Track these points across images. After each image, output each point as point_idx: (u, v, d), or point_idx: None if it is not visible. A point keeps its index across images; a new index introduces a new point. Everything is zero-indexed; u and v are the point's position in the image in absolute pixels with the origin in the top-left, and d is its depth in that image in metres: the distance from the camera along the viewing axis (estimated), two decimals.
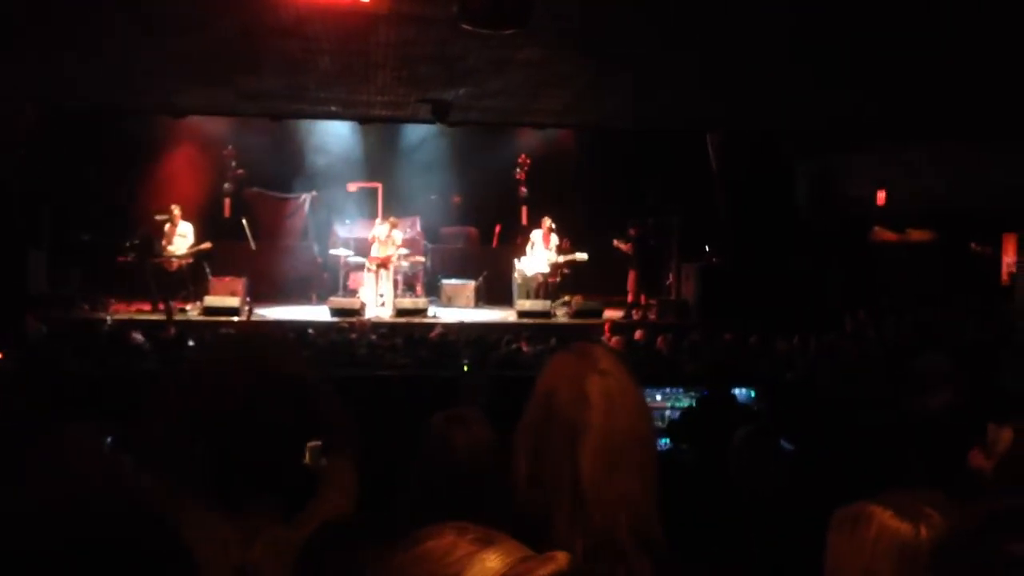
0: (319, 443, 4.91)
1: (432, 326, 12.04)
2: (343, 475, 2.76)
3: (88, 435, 2.41)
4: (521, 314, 13.39)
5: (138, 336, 9.27)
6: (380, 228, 13.69)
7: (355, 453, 2.88)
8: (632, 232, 14.22)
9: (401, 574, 1.09)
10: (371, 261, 13.51)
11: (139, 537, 0.70)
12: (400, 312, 13.12)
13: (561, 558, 1.05)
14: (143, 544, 0.70)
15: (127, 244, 13.08)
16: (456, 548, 1.09)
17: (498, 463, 2.32)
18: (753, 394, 7.02)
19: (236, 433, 2.29)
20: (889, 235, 14.20)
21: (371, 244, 13.66)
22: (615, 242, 14.20)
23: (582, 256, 14.11)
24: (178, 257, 13.15)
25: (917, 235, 14.62)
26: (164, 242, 13.25)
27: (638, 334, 11.35)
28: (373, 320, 12.34)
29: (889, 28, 8.27)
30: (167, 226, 13.30)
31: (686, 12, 8.00)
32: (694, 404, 6.96)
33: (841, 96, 11.12)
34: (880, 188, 13.96)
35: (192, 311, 12.87)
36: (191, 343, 9.62)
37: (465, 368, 8.71)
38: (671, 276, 15.16)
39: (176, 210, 13.35)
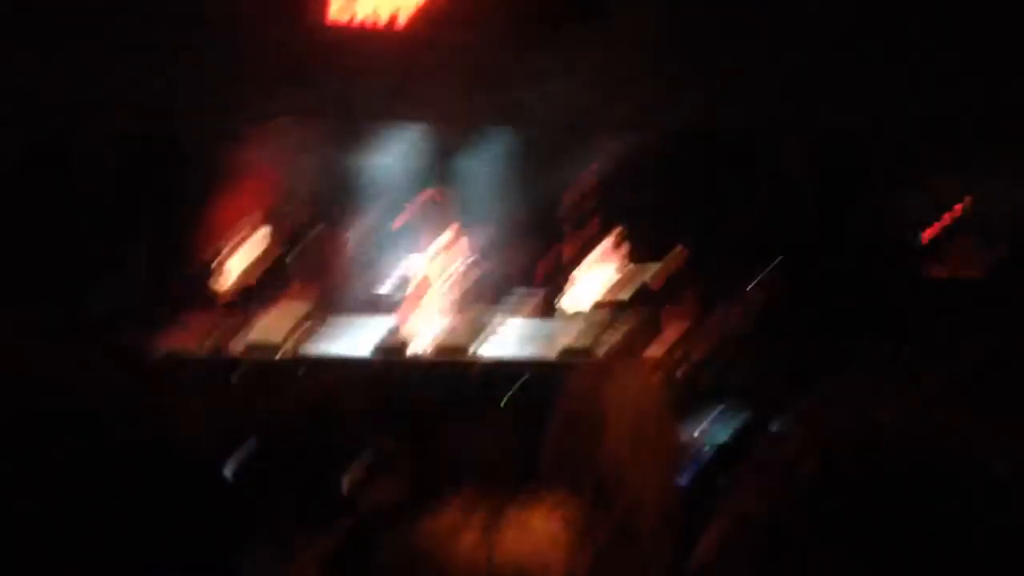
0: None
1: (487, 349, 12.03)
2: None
3: None
4: (583, 328, 13.31)
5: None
6: (430, 250, 13.84)
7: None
8: (689, 243, 13.96)
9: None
10: (421, 282, 13.55)
11: None
12: (448, 336, 13.12)
13: None
14: None
15: (182, 271, 13.50)
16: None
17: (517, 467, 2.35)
18: None
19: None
20: (969, 243, 13.70)
21: (416, 272, 13.77)
22: (670, 256, 13.98)
23: (653, 267, 13.89)
24: (247, 271, 13.47)
25: (1001, 246, 14.07)
26: (233, 256, 13.52)
27: (700, 346, 11.23)
28: (429, 343, 12.41)
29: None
30: (240, 239, 13.57)
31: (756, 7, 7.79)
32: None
33: (922, 100, 10.77)
34: (963, 196, 13.51)
35: (242, 339, 12.93)
36: (238, 371, 9.76)
37: (513, 393, 8.66)
38: (738, 288, 14.82)
39: (249, 223, 13.67)
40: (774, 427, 6.41)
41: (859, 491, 0.85)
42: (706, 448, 7.26)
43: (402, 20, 6.83)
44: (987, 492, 0.80)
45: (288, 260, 14.31)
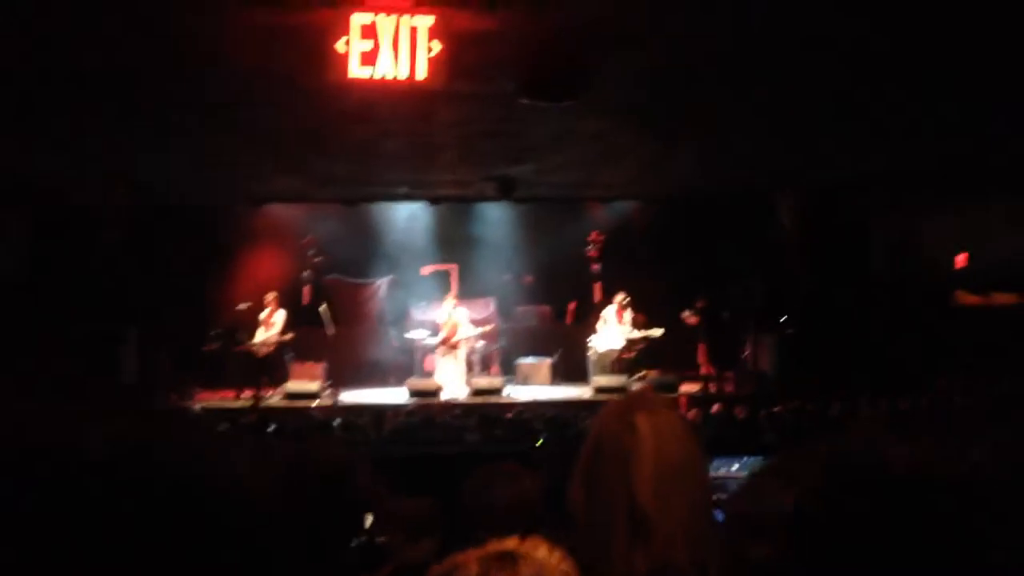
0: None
1: (508, 405, 12.11)
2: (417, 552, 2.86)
3: None
4: (597, 390, 13.34)
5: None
6: (441, 311, 14.02)
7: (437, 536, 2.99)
8: (699, 305, 14.18)
9: None
10: (440, 344, 13.75)
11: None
12: (476, 392, 13.21)
13: None
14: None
15: (211, 333, 13.47)
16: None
17: (545, 514, 2.38)
18: None
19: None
20: (972, 298, 13.84)
21: (439, 328, 13.93)
22: (683, 315, 14.19)
23: (657, 332, 14.05)
24: (261, 345, 13.46)
25: (1002, 298, 14.22)
26: (261, 328, 13.60)
27: (715, 407, 11.25)
28: (449, 400, 12.46)
29: (969, 76, 8.19)
30: (263, 314, 13.66)
31: (744, 74, 8.05)
32: None
33: (916, 150, 11.04)
34: (959, 250, 13.69)
35: (274, 397, 13.14)
36: (271, 427, 9.83)
37: (539, 443, 8.76)
38: (747, 347, 14.98)
39: (271, 297, 13.75)
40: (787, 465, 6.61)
41: (873, 526, 0.87)
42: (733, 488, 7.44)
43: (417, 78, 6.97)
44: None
45: (321, 313, 14.48)
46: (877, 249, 14.70)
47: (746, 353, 14.96)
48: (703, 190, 14.52)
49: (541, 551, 1.21)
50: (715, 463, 6.95)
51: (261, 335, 13.51)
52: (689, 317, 14.12)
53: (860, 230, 14.57)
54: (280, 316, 13.65)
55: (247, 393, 13.04)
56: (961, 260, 13.67)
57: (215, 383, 13.84)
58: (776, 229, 14.62)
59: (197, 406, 12.19)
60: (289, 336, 13.56)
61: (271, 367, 13.53)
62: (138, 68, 7.73)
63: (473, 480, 2.56)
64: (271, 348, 13.49)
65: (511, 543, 1.22)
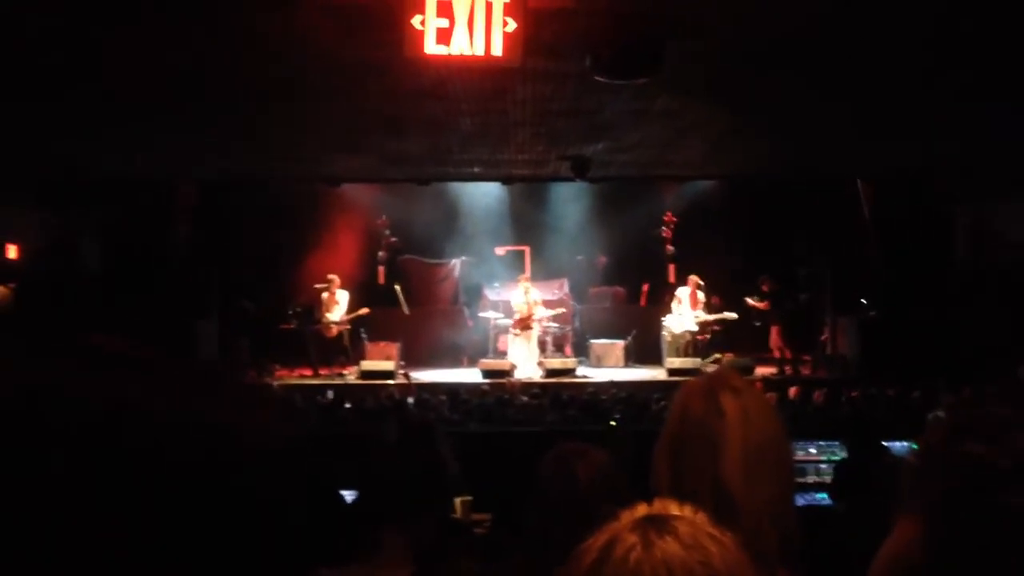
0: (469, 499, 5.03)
1: (582, 385, 12.10)
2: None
3: None
4: (671, 372, 13.25)
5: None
6: (515, 292, 14.04)
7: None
8: (765, 288, 13.95)
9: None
10: (514, 325, 13.80)
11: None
12: (550, 372, 13.24)
13: None
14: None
15: (289, 312, 13.70)
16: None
17: (618, 490, 2.36)
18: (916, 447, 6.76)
19: None
20: None
21: (512, 308, 14.00)
22: (748, 301, 13.99)
23: (731, 315, 13.92)
24: (336, 323, 13.63)
25: None
26: (323, 310, 13.79)
27: (793, 390, 11.10)
28: (523, 380, 12.49)
29: None
30: (325, 295, 13.84)
31: (823, 52, 7.85)
32: (846, 457, 6.83)
33: (1000, 135, 10.68)
34: None
35: (349, 375, 13.32)
36: (347, 405, 9.96)
37: (612, 423, 8.75)
38: (826, 330, 14.72)
39: (334, 278, 13.92)
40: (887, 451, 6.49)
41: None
42: (817, 470, 7.36)
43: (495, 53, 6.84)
44: None
45: (398, 292, 14.78)
46: (958, 234, 14.28)
47: (824, 336, 14.72)
48: (779, 173, 14.26)
49: (686, 511, 1.17)
50: (793, 446, 6.88)
51: (334, 315, 13.69)
52: (757, 302, 13.93)
53: (942, 216, 14.16)
54: (343, 296, 13.83)
55: (323, 371, 13.27)
56: None
57: (293, 361, 14.08)
58: (855, 215, 14.28)
59: (275, 383, 12.40)
60: (364, 312, 13.75)
61: (346, 346, 13.73)
62: (207, 53, 7.79)
63: (548, 460, 2.54)
64: (343, 327, 13.68)
65: (647, 508, 1.17)
